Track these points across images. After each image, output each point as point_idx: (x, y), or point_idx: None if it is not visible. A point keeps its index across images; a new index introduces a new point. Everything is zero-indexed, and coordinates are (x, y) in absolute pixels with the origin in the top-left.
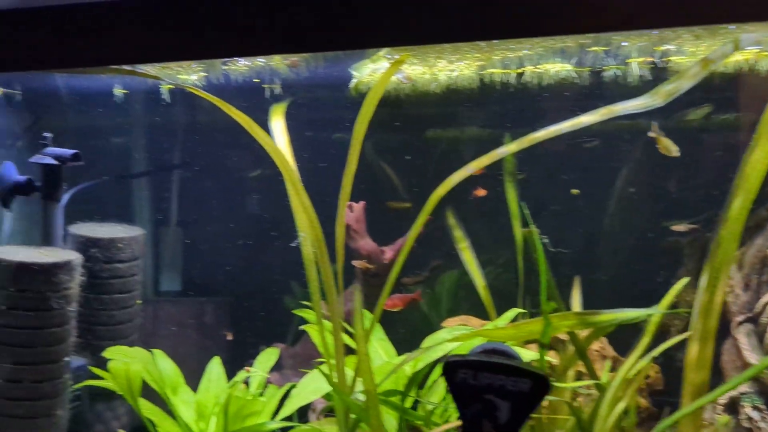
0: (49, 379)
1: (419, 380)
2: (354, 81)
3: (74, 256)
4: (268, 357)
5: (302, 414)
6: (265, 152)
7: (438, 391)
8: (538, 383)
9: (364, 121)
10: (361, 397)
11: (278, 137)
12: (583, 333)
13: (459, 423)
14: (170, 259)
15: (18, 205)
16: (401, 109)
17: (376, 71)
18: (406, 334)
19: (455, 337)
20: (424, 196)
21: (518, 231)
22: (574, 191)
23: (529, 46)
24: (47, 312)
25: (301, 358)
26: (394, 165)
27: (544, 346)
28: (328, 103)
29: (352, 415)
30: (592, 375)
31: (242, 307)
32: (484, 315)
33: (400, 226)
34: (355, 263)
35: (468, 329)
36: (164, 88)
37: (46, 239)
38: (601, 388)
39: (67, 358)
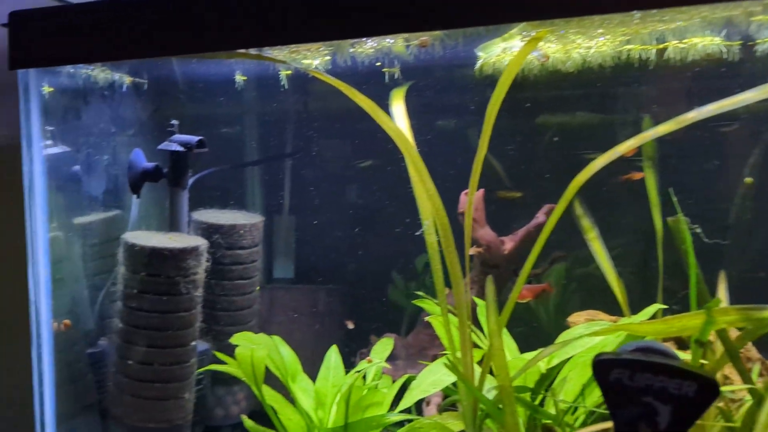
0: (179, 363)
1: (553, 377)
2: (479, 62)
3: (201, 242)
4: (383, 347)
5: (416, 406)
6: (378, 140)
7: (568, 388)
8: (705, 387)
9: (497, 102)
10: (489, 393)
11: (399, 122)
12: (732, 333)
13: (609, 425)
14: (283, 246)
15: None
16: (519, 92)
17: (507, 50)
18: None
19: (595, 331)
20: (535, 185)
21: (658, 220)
22: (748, 180)
23: (682, 18)
24: (177, 297)
25: (413, 348)
26: (505, 152)
27: (702, 345)
28: (450, 86)
29: (479, 412)
30: (746, 379)
31: (352, 296)
32: (599, 310)
33: (509, 216)
34: (473, 251)
35: (605, 324)
36: (283, 74)
37: (173, 225)
38: (756, 394)
39: (194, 343)
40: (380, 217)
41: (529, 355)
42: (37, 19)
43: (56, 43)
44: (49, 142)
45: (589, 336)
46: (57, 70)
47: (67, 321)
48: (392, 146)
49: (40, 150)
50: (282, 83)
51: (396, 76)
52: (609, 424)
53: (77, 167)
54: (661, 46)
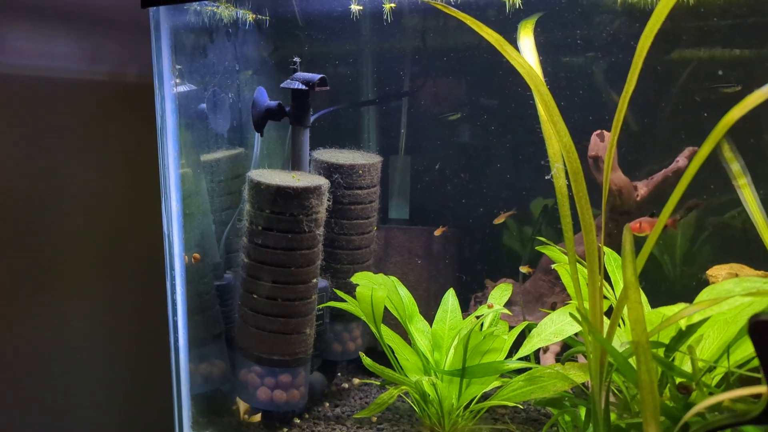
0: (301, 299)
1: (692, 335)
2: None
3: (323, 181)
4: (502, 292)
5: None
6: (499, 77)
7: (705, 347)
8: None
9: (651, 35)
10: (620, 348)
11: (527, 57)
12: None
13: (759, 390)
14: (399, 187)
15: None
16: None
17: None
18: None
19: (750, 291)
20: (667, 126)
21: None
22: None
23: None
24: (300, 234)
25: (531, 295)
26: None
27: None
28: (582, 17)
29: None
30: None
31: (466, 239)
32: (734, 262)
33: (628, 161)
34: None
35: (756, 282)
36: (386, 7)
37: (296, 163)
38: None
39: (315, 280)
40: (495, 158)
41: (667, 310)
42: None
43: None
44: (177, 80)
45: (741, 295)
46: (185, 8)
47: (196, 254)
48: (516, 84)
49: (170, 88)
50: (386, 17)
51: (517, 6)
52: (759, 389)
53: (203, 105)
54: None
